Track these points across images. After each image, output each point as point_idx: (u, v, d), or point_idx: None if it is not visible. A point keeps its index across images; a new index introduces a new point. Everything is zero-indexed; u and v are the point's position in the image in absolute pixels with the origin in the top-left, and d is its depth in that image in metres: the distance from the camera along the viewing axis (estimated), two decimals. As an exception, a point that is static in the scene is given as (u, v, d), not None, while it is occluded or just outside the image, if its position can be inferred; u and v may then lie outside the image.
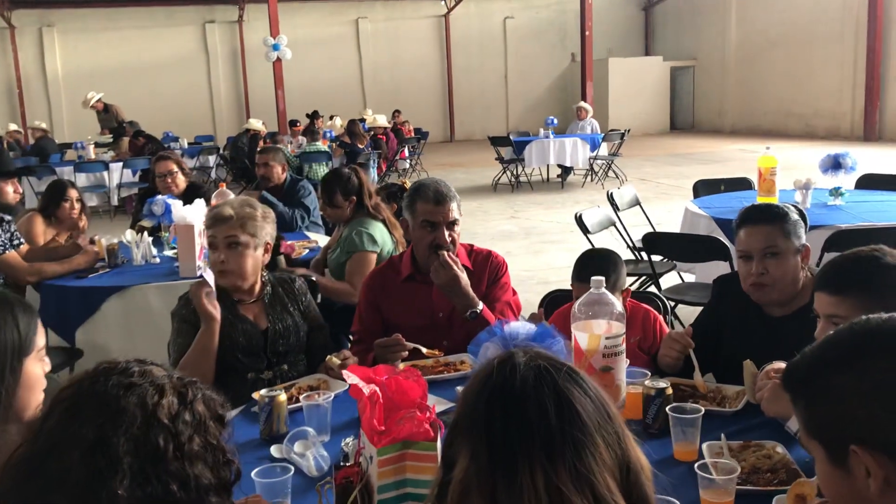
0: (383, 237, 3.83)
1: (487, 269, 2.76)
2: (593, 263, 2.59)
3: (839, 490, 1.10)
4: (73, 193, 4.62)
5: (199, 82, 23.08)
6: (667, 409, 1.85)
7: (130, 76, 21.90)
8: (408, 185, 5.16)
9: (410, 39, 24.46)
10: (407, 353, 2.38)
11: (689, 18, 24.46)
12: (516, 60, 25.35)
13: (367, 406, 1.41)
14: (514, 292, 2.86)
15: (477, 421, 1.00)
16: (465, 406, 1.04)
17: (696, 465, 1.61)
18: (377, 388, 1.42)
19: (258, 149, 11.57)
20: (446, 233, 2.61)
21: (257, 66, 20.36)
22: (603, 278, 1.92)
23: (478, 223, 9.84)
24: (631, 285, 5.26)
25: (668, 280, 5.20)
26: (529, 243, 8.47)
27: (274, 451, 1.92)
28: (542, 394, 0.99)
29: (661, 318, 2.70)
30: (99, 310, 3.80)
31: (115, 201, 11.53)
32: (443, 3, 24.15)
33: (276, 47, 15.95)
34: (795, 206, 2.54)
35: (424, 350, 2.40)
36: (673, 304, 4.53)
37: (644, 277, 5.07)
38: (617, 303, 1.90)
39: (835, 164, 4.95)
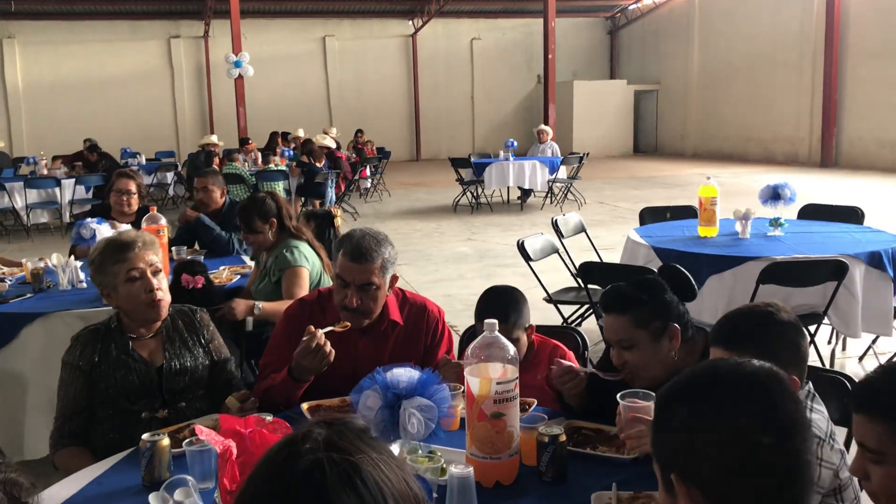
0: (312, 256, 3.76)
1: (424, 322, 2.57)
2: (494, 301, 2.57)
3: None
4: None
5: (163, 97, 22.86)
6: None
7: (92, 89, 21.66)
8: (336, 212, 5.13)
9: (378, 58, 24.49)
10: (332, 353, 2.22)
11: (654, 43, 24.81)
12: (483, 81, 25.49)
13: (220, 463, 1.34)
14: (451, 337, 2.72)
15: None
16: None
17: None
18: (232, 444, 1.36)
19: (212, 164, 11.43)
20: (356, 296, 2.40)
21: (223, 82, 20.21)
22: (496, 321, 1.87)
23: (433, 245, 9.80)
24: (573, 314, 5.26)
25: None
26: (483, 266, 8.44)
27: (153, 499, 1.83)
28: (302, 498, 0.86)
29: (570, 352, 2.66)
30: (17, 337, 3.65)
31: (66, 218, 11.34)
32: (410, 22, 24.24)
33: (237, 64, 15.84)
34: (673, 273, 2.25)
35: (336, 327, 2.32)
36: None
37: (587, 305, 5.05)
38: (511, 347, 1.86)
39: (774, 195, 4.98)
